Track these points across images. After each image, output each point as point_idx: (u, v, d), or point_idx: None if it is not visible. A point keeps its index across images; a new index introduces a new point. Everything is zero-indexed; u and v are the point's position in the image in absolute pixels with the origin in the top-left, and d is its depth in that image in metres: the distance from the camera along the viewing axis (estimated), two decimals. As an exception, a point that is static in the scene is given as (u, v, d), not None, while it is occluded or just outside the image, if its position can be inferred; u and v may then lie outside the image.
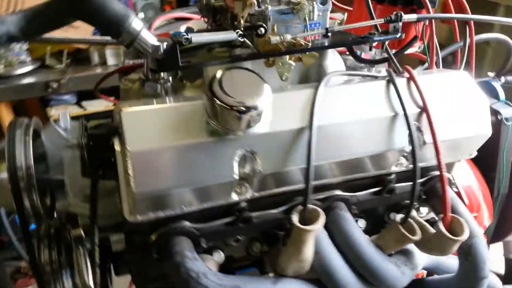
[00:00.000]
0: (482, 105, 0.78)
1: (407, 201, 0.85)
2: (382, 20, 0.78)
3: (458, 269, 0.82)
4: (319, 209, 0.64)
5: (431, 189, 0.82)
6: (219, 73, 0.60)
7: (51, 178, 0.84)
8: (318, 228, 0.62)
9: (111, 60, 2.33)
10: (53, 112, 2.39)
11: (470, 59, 0.96)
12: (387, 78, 0.74)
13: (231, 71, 0.61)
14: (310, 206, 0.64)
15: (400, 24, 0.77)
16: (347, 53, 0.90)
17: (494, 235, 1.19)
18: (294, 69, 0.77)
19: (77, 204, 0.79)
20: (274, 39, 0.71)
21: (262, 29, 0.72)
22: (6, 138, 0.81)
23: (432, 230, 0.77)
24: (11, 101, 2.30)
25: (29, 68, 2.25)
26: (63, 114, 0.90)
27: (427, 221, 0.77)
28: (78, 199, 0.79)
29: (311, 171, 0.63)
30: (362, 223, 0.81)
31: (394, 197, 0.81)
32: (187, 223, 0.69)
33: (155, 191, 0.59)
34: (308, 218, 0.64)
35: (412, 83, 0.74)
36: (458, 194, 0.85)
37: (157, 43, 0.76)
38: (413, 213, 0.86)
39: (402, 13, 0.77)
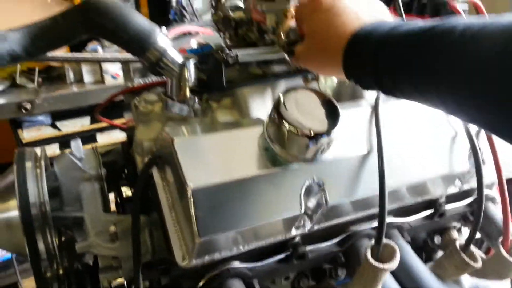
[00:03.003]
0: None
1: (454, 224, 0.81)
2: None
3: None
4: (394, 244, 0.58)
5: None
6: (284, 95, 0.53)
7: (67, 216, 0.74)
8: (395, 266, 0.56)
9: (87, 78, 2.20)
10: (25, 134, 2.22)
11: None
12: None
13: (298, 91, 0.54)
14: (385, 240, 0.57)
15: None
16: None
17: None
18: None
19: (99, 244, 0.70)
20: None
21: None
22: (15, 171, 0.70)
23: (482, 255, 0.74)
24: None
25: (-2, 88, 2.09)
26: (75, 142, 0.80)
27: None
28: (101, 239, 0.70)
29: (386, 201, 0.57)
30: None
31: (443, 221, 0.77)
32: (238, 264, 0.61)
33: (220, 233, 0.51)
34: (382, 254, 0.58)
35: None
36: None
37: (183, 62, 0.69)
38: (455, 235, 0.82)
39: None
